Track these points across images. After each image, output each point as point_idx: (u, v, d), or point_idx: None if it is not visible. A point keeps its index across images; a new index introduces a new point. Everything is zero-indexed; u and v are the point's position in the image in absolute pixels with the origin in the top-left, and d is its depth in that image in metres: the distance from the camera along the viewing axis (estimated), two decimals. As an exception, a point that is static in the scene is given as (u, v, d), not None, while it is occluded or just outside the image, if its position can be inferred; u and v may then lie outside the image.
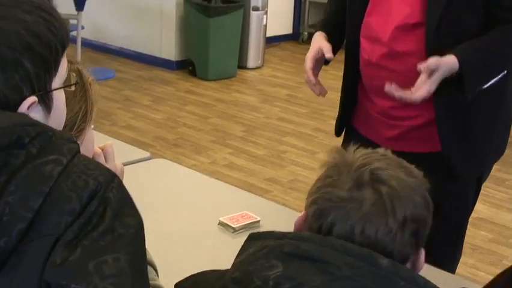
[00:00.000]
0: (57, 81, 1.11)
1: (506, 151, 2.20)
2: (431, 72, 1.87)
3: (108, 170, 1.04)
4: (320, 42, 2.12)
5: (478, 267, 3.42)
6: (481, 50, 1.94)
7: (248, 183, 4.30)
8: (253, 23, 6.79)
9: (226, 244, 1.86)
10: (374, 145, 2.06)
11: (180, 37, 6.69)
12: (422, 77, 1.88)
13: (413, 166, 1.14)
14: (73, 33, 5.77)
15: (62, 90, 1.13)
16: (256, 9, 6.80)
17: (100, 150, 1.41)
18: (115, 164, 1.43)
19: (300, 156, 4.75)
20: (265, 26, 6.92)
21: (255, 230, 1.92)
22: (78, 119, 1.32)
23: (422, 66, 1.87)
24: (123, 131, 5.10)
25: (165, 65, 6.74)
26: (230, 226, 1.96)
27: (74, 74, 1.22)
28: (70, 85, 1.18)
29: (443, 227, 2.09)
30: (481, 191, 2.23)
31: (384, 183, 1.07)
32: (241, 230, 1.95)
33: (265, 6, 6.89)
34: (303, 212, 1.15)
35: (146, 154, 2.39)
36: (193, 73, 6.53)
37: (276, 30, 7.60)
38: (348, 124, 2.25)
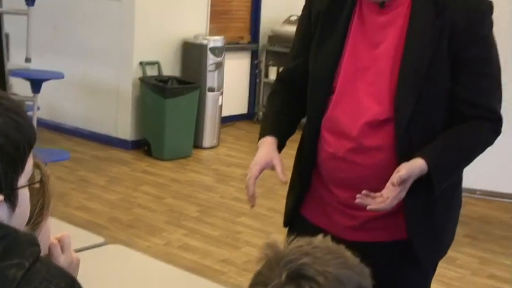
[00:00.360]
0: (23, 179, 1.14)
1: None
2: (402, 182, 1.91)
3: (68, 275, 1.06)
4: (271, 154, 2.08)
5: None
6: (449, 151, 2.00)
7: (203, 265, 4.29)
8: (208, 103, 6.89)
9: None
10: (327, 234, 2.09)
11: (136, 117, 6.75)
12: (395, 187, 1.91)
13: (349, 254, 1.17)
14: (29, 113, 5.79)
15: (26, 187, 1.16)
16: (212, 90, 6.92)
17: (57, 241, 1.43)
18: (71, 254, 1.44)
19: (255, 236, 4.78)
20: (221, 106, 7.04)
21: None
22: (35, 213, 1.34)
23: (394, 180, 1.89)
24: (77, 213, 5.08)
25: (121, 144, 6.76)
26: None
27: (39, 171, 1.26)
28: (35, 182, 1.21)
29: None
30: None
31: (310, 280, 1.09)
32: None
33: (220, 87, 7.01)
34: None
35: (101, 239, 2.40)
36: (148, 153, 6.56)
37: (231, 110, 7.72)
38: (296, 212, 2.22)
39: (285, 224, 2.26)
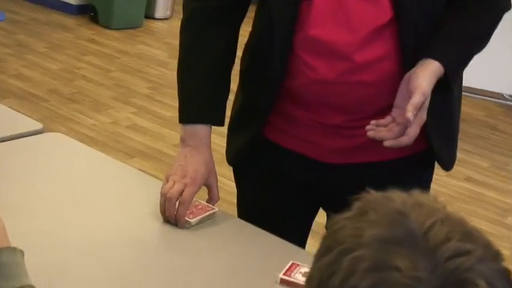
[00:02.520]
0: None
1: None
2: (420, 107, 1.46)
3: None
4: (209, 166, 1.60)
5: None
6: (463, 44, 1.57)
7: (154, 149, 3.87)
8: (163, -31, 6.28)
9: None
10: (305, 159, 1.61)
11: (82, -21, 6.11)
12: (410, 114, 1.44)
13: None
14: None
15: None
16: (167, -46, 6.29)
17: None
18: None
19: (212, 120, 4.33)
20: (176, -27, 6.44)
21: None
22: None
23: (409, 113, 1.42)
24: (13, 81, 4.54)
25: (64, 8, 6.12)
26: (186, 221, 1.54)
27: None
28: None
29: None
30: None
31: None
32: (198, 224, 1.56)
33: (177, -48, 6.39)
34: None
35: (38, 126, 1.90)
36: (94, 20, 5.97)
37: (186, -21, 7.10)
38: (258, 136, 1.66)
39: (231, 162, 1.76)
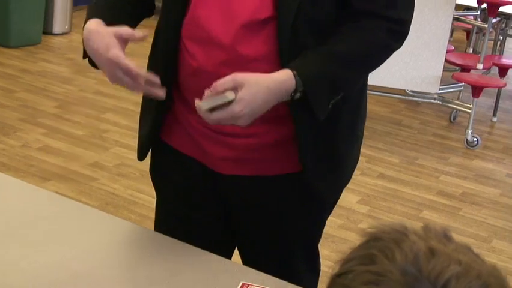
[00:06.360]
0: None
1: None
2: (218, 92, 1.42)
3: None
4: (106, 28, 1.52)
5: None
6: (328, 58, 1.51)
7: (69, 170, 3.78)
8: (59, -17, 6.14)
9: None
10: (199, 165, 1.64)
11: (-26, -3, 5.89)
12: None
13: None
14: None
15: None
16: (62, -32, 6.15)
17: None
18: None
19: (125, 135, 4.29)
20: (72, -13, 6.31)
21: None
22: None
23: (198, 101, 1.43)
24: None
25: (-43, 29, 5.91)
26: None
27: None
28: None
29: (303, 245, 1.76)
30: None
31: None
32: None
33: (72, -35, 6.25)
34: None
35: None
36: (-9, 39, 5.79)
37: (82, -8, 6.98)
38: (156, 139, 1.69)
39: (141, 157, 1.74)
